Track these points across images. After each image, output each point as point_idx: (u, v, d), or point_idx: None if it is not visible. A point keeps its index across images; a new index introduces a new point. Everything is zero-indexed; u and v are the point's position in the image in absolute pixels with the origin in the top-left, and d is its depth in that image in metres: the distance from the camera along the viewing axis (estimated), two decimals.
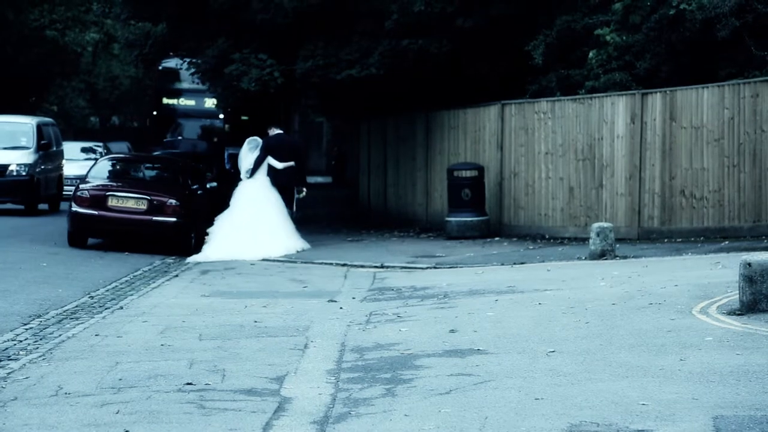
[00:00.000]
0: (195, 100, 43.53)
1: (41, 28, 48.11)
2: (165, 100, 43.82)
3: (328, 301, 14.19)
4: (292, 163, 21.29)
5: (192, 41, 26.25)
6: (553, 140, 21.21)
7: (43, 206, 28.85)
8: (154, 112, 44.33)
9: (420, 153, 25.39)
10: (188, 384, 9.01)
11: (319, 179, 51.90)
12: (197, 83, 44.13)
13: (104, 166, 22.89)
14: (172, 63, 43.37)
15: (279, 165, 21.13)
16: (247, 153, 21.35)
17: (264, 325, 12.19)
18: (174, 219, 20.66)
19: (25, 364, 9.92)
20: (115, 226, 20.65)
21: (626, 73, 20.50)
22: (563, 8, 21.99)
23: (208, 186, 24.35)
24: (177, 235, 20.70)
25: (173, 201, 20.77)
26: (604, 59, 20.80)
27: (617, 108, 19.98)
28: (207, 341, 11.15)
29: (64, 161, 30.74)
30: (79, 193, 20.89)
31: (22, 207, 27.47)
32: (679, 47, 19.81)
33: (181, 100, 43.80)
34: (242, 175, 21.33)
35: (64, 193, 32.88)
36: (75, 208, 20.69)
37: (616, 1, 20.97)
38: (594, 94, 20.56)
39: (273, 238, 20.26)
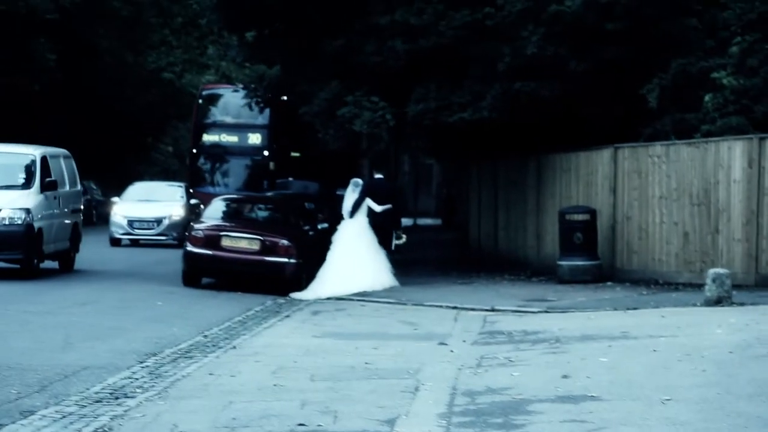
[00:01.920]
0: (238, 136, 40.40)
1: (159, 70, 49.22)
2: (205, 137, 40.47)
3: (439, 343, 14.14)
4: (389, 206, 22.16)
5: (305, 84, 26.56)
6: (667, 184, 20.94)
7: (50, 264, 22.51)
8: (193, 150, 40.96)
9: (531, 196, 25.26)
10: (300, 425, 9.05)
11: (429, 221, 51.89)
12: (240, 117, 40.59)
13: (218, 206, 23.23)
14: (213, 94, 41.56)
15: (377, 208, 22.03)
16: (350, 194, 22.21)
17: (375, 366, 12.20)
18: (286, 259, 20.85)
19: (141, 402, 10.07)
20: (228, 265, 20.91)
21: (743, 117, 20.17)
22: (679, 51, 21.77)
23: (319, 226, 24.56)
24: (289, 275, 20.88)
25: (285, 241, 20.98)
26: (720, 103, 20.50)
27: (734, 152, 19.66)
28: (318, 382, 11.20)
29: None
30: (193, 233, 21.22)
31: (17, 266, 21.02)
32: None
33: (223, 135, 40.45)
34: (344, 216, 22.12)
35: (134, 237, 32.50)
36: (189, 247, 21.02)
37: (733, 45, 20.69)
38: (710, 138, 20.25)
39: (365, 274, 21.11)
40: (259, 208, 23.66)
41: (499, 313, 17.65)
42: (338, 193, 31.98)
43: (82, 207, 24.64)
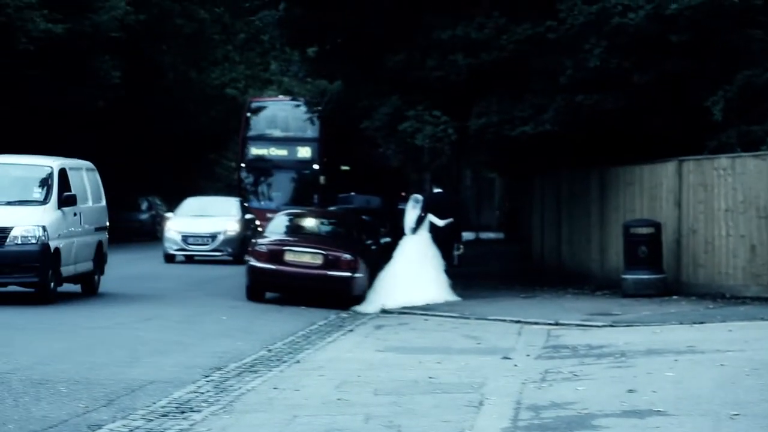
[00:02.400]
0: (287, 149, 39.59)
1: (222, 86, 49.64)
2: (253, 150, 39.60)
3: (503, 358, 14.09)
4: (451, 220, 22.49)
5: (366, 99, 26.65)
6: (733, 197, 20.70)
7: (69, 288, 20.48)
8: (242, 164, 40.19)
9: (594, 209, 25.11)
10: None
11: (491, 235, 51.74)
12: (289, 130, 39.87)
13: (281, 221, 23.35)
14: (261, 107, 40.74)
15: (440, 222, 22.35)
16: (411, 210, 22.54)
17: (438, 381, 12.18)
18: (349, 273, 20.91)
19: (207, 416, 10.13)
20: (291, 280, 21.00)
21: None
22: (744, 63, 21.54)
23: (381, 241, 24.60)
24: (351, 289, 20.93)
25: (348, 256, 21.04)
26: None
27: None
28: (382, 396, 11.20)
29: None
30: (257, 248, 21.35)
31: (32, 290, 19.12)
32: None
33: (272, 149, 39.72)
34: (406, 231, 22.44)
35: (189, 252, 31.53)
36: (253, 262, 21.14)
37: None
38: None
39: (427, 288, 21.31)
40: (322, 223, 23.76)
41: (563, 327, 17.55)
42: (399, 207, 32.07)
43: (107, 224, 22.24)
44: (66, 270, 19.67)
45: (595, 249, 25.11)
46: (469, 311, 19.84)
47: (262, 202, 38.72)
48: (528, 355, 14.34)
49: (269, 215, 37.12)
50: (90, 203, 21.20)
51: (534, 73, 23.14)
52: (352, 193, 36.66)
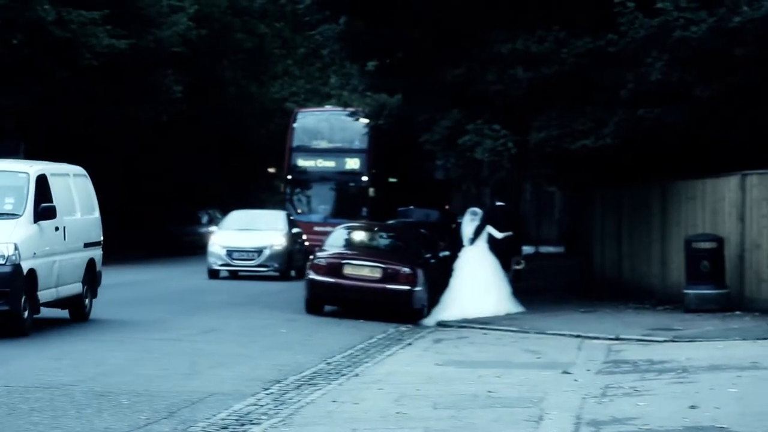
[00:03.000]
0: (335, 161, 38.27)
1: (282, 100, 49.92)
2: (300, 162, 38.29)
3: (562, 372, 14.01)
4: (510, 233, 22.79)
5: (426, 112, 26.66)
6: None
7: (50, 313, 17.62)
8: (288, 177, 38.60)
9: (656, 223, 24.90)
10: None
11: (551, 249, 51.49)
12: (337, 141, 38.45)
13: (340, 234, 23.41)
14: (308, 118, 39.53)
15: (498, 234, 22.60)
16: (468, 222, 22.81)
17: (498, 395, 12.13)
18: (407, 287, 20.91)
19: (266, 429, 10.17)
20: (349, 293, 21.05)
21: None
22: None
23: (440, 254, 24.56)
24: (410, 303, 20.92)
25: (407, 269, 21.04)
26: None
27: None
28: (441, 410, 11.17)
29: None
30: (316, 261, 21.42)
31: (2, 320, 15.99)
32: None
33: (319, 161, 38.34)
34: (464, 243, 22.63)
35: (233, 268, 29.91)
36: (312, 275, 21.21)
37: None
38: None
39: (489, 299, 21.47)
40: (381, 236, 23.79)
41: (623, 342, 17.41)
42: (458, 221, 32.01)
43: (101, 239, 18.96)
44: (45, 294, 16.67)
45: (656, 263, 24.90)
46: (529, 325, 19.75)
47: (310, 215, 37.83)
48: (588, 370, 14.24)
49: (316, 228, 36.88)
50: (78, 215, 18.05)
51: (594, 87, 23.03)
52: (411, 207, 36.38)
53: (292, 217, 33.04)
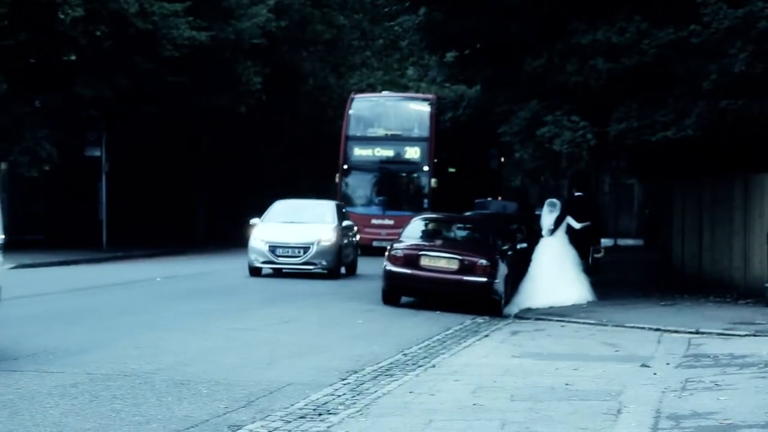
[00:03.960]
0: (394, 149, 36.45)
1: (360, 91, 49.99)
2: (357, 151, 36.48)
3: (641, 365, 13.89)
4: (588, 223, 23.35)
5: (504, 103, 26.54)
6: None
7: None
8: (345, 166, 36.58)
9: (738, 216, 24.55)
10: None
11: (630, 242, 51.05)
12: (396, 129, 36.50)
13: (417, 225, 23.41)
14: (365, 104, 37.81)
15: (577, 225, 23.14)
16: (547, 213, 23.13)
17: (575, 388, 12.06)
18: (484, 279, 20.85)
19: (344, 419, 10.22)
20: (426, 285, 21.04)
21: None
22: None
23: (518, 246, 24.48)
24: (487, 295, 20.87)
25: (484, 261, 20.98)
26: None
27: None
28: (518, 402, 11.14)
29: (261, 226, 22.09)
30: (393, 252, 21.45)
31: None
32: None
33: (377, 149, 36.49)
34: (543, 233, 22.99)
35: (277, 265, 26.18)
36: (389, 266, 21.25)
37: None
38: None
39: (568, 289, 21.90)
40: (458, 228, 23.75)
41: (704, 336, 17.21)
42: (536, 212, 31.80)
43: (3, 236, 13.63)
44: None
45: (737, 257, 24.55)
46: (607, 318, 19.59)
47: (367, 207, 36.16)
48: (668, 364, 14.10)
49: (374, 221, 35.34)
50: None
51: (676, 78, 22.76)
52: (489, 199, 35.94)
53: (344, 210, 29.89)
